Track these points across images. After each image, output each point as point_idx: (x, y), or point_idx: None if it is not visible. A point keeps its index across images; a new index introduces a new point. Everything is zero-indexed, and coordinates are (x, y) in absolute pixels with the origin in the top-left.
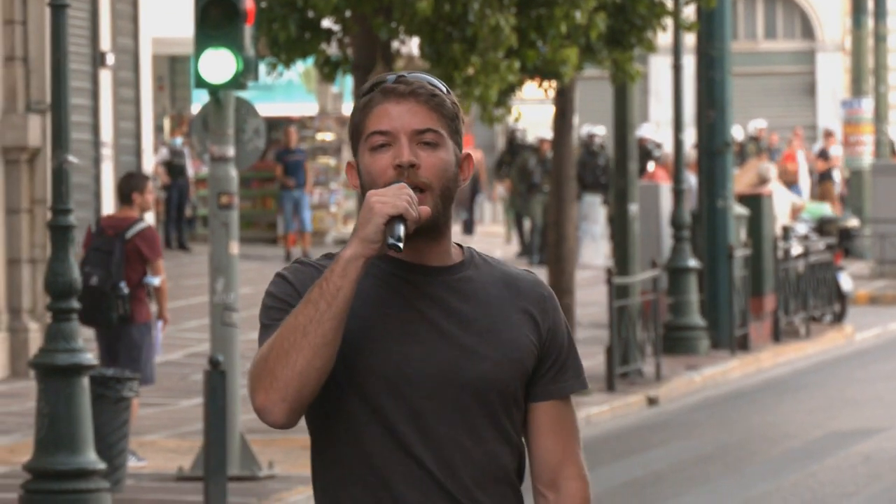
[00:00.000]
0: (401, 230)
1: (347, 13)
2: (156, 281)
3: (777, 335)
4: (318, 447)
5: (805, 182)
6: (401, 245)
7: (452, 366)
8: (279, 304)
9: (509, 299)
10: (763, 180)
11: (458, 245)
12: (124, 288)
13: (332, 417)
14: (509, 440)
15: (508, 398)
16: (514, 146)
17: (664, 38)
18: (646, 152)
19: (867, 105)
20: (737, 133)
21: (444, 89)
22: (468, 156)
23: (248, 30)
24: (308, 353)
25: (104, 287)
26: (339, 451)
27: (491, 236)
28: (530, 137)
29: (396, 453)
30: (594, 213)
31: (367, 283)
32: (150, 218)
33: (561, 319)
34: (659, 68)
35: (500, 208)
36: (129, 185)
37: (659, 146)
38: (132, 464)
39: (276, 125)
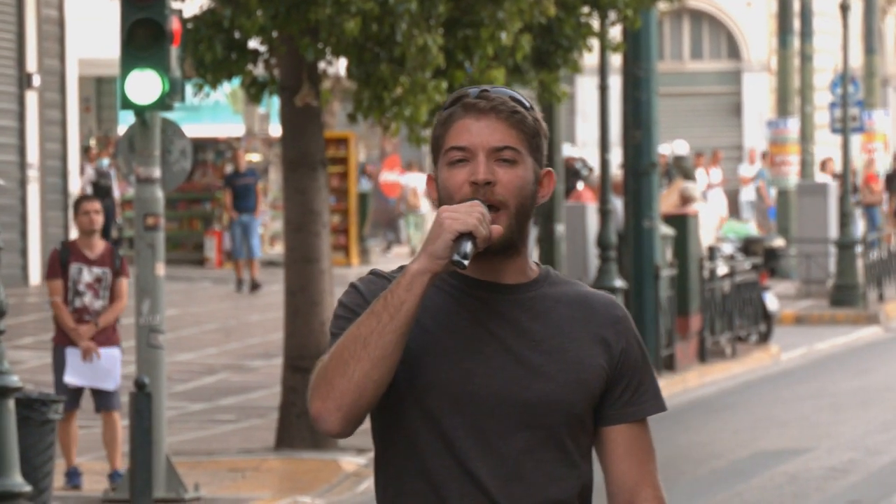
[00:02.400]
0: (468, 248)
1: (274, 34)
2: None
3: (703, 355)
4: (381, 459)
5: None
6: (465, 263)
7: (516, 384)
8: (348, 313)
9: (581, 320)
10: (686, 200)
11: (537, 263)
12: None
13: (394, 430)
14: (573, 464)
15: (573, 420)
16: None
17: (590, 58)
18: (573, 172)
19: (793, 125)
20: (681, 149)
21: (527, 105)
22: (549, 172)
23: (174, 51)
24: (366, 364)
25: None
26: (399, 465)
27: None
28: None
29: (454, 470)
30: None
31: (438, 298)
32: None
33: (635, 341)
34: (585, 88)
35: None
36: None
37: (589, 168)
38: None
39: (202, 146)
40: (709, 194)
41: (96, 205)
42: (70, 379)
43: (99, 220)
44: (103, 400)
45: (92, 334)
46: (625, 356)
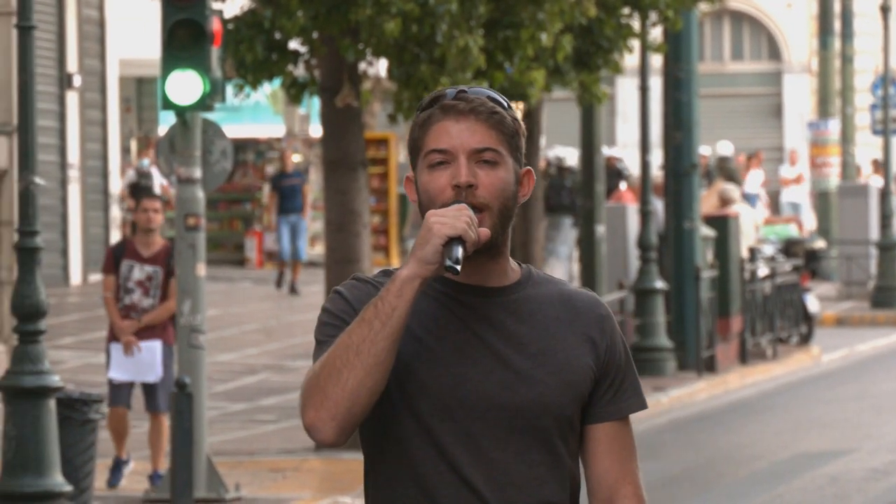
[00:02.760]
0: (459, 252)
1: (314, 34)
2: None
3: (744, 356)
4: (370, 466)
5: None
6: (458, 268)
7: (507, 389)
8: (334, 320)
9: (567, 320)
10: (725, 202)
11: (518, 263)
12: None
13: (384, 437)
14: (562, 466)
15: (563, 422)
16: None
17: (631, 59)
18: (616, 172)
19: (834, 126)
20: (724, 150)
21: (505, 104)
22: (528, 171)
23: (214, 51)
24: (360, 372)
25: None
26: (390, 472)
27: None
28: None
29: (447, 475)
30: (560, 235)
31: (424, 303)
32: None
33: (618, 338)
34: (626, 90)
35: None
36: None
37: (628, 169)
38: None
39: (243, 147)
40: (761, 193)
41: (156, 203)
42: (114, 374)
43: (158, 218)
44: (152, 400)
45: (134, 330)
46: (610, 354)
